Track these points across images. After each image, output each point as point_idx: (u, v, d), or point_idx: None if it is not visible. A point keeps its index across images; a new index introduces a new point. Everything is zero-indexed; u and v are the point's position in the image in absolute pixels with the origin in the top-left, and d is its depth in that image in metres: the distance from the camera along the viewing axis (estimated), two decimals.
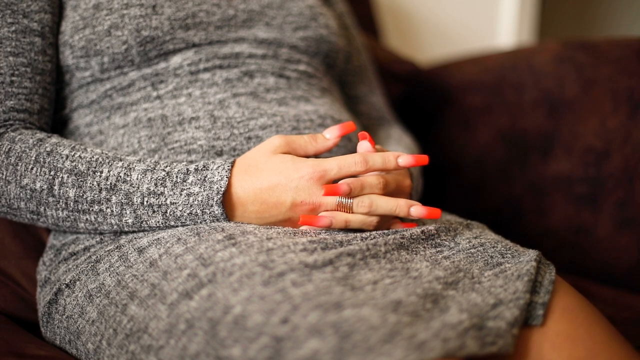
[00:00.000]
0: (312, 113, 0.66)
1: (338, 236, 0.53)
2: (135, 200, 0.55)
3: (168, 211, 0.54)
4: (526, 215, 1.00)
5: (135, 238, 0.57)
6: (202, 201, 0.54)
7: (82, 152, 0.57)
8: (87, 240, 0.60)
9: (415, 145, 0.82)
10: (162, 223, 0.55)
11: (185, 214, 0.54)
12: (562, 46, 0.99)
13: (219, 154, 0.61)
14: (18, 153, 0.56)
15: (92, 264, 0.57)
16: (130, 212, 0.55)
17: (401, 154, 0.56)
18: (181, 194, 0.54)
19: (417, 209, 0.55)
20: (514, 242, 0.59)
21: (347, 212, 0.54)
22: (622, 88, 0.89)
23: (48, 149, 0.57)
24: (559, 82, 0.96)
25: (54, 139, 0.58)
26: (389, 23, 1.48)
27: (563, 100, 0.96)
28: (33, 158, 0.56)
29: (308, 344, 0.39)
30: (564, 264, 0.93)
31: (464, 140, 1.10)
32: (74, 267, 0.59)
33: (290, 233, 0.53)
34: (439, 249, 0.55)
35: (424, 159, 0.56)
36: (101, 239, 0.59)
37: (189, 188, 0.54)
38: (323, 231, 0.55)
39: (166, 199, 0.54)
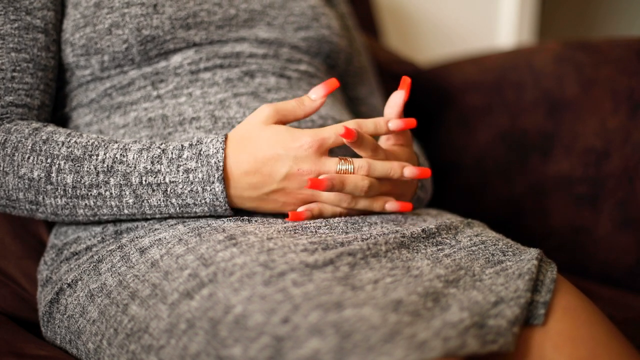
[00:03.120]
0: (314, 113, 0.66)
1: (339, 237, 0.53)
2: (133, 180, 0.55)
3: (168, 189, 0.55)
4: (526, 215, 1.00)
5: (136, 238, 0.57)
6: (202, 179, 0.54)
7: (78, 137, 0.57)
8: (89, 240, 0.60)
9: (417, 147, 0.82)
10: (163, 201, 0.55)
11: (186, 192, 0.54)
12: (562, 46, 0.99)
13: None
14: (14, 143, 0.56)
15: (94, 263, 0.57)
16: (129, 193, 0.55)
17: (391, 119, 0.58)
18: (178, 171, 0.54)
19: (409, 170, 0.57)
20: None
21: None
22: (622, 88, 0.89)
23: (44, 137, 0.57)
24: (559, 82, 0.97)
25: (50, 128, 0.58)
26: (389, 23, 1.48)
27: (563, 100, 0.96)
28: (29, 147, 0.56)
29: (309, 344, 0.39)
30: (564, 264, 0.92)
31: (464, 140, 1.10)
32: (76, 266, 0.59)
33: (290, 232, 0.53)
34: (440, 247, 0.55)
35: (412, 122, 0.58)
36: (102, 238, 0.59)
37: (185, 163, 0.54)
38: (323, 224, 0.56)
39: (164, 177, 0.54)
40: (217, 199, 0.54)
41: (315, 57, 0.73)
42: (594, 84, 0.92)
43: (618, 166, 0.88)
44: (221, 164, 0.53)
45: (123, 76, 0.64)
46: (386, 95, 1.03)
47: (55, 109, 0.67)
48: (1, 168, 0.56)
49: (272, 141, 0.54)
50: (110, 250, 0.57)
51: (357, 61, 0.85)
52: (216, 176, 0.54)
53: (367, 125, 0.56)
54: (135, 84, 0.64)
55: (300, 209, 0.56)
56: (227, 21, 0.67)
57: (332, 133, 0.54)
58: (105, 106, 0.65)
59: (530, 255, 0.54)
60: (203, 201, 0.55)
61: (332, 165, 0.55)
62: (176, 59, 0.64)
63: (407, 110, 1.16)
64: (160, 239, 0.55)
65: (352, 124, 0.56)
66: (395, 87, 1.13)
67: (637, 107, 0.87)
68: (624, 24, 2.60)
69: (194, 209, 0.56)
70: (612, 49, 0.92)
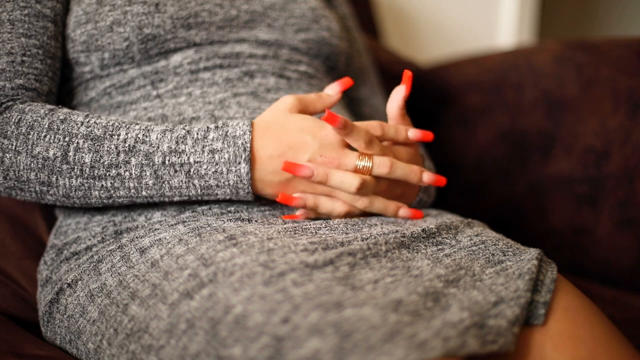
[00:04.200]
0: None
1: (339, 237, 0.53)
2: (156, 160, 0.54)
3: (192, 170, 0.54)
4: (526, 215, 1.00)
5: (136, 238, 0.57)
6: (228, 159, 0.54)
7: (97, 118, 0.57)
8: (89, 240, 0.60)
9: (422, 149, 0.82)
10: (185, 182, 0.55)
11: (210, 172, 0.54)
12: (562, 46, 0.99)
13: None
14: (29, 122, 0.56)
15: (94, 263, 0.57)
16: (150, 173, 0.55)
17: (411, 128, 0.60)
18: (203, 151, 0.54)
19: (427, 175, 0.59)
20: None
21: (367, 174, 0.56)
22: (622, 88, 0.89)
23: (61, 117, 0.56)
24: (559, 82, 0.97)
25: (65, 109, 0.58)
26: (389, 23, 1.48)
27: (563, 100, 0.96)
28: (46, 126, 0.56)
29: (309, 344, 0.39)
30: (564, 264, 0.92)
31: (464, 140, 1.10)
32: (76, 266, 0.59)
33: (290, 232, 0.53)
34: (440, 247, 0.55)
35: (429, 135, 0.60)
36: (102, 238, 0.59)
37: (211, 144, 0.54)
38: (323, 226, 0.56)
39: (188, 157, 0.54)
40: (241, 180, 0.54)
41: (314, 58, 0.73)
42: (594, 84, 0.92)
43: (618, 166, 0.88)
44: (248, 145, 0.54)
45: (123, 75, 0.64)
46: (387, 95, 1.03)
47: None
48: (13, 147, 0.55)
49: (299, 127, 0.55)
50: (110, 250, 0.57)
51: (358, 62, 0.85)
52: (243, 157, 0.54)
53: (389, 128, 0.59)
54: (134, 83, 0.64)
55: (296, 212, 0.57)
56: (228, 22, 0.67)
57: (360, 128, 0.56)
58: (104, 105, 0.65)
59: (530, 255, 0.54)
60: (226, 183, 0.55)
61: (353, 158, 0.56)
62: (176, 58, 0.64)
63: (408, 110, 1.16)
64: (160, 239, 0.55)
65: (376, 124, 0.58)
66: (395, 87, 1.14)
67: (637, 107, 0.87)
68: (624, 24, 2.60)
69: (216, 191, 0.56)
70: (612, 49, 0.92)
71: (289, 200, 0.56)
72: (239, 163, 0.54)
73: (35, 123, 0.56)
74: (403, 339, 0.39)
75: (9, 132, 0.55)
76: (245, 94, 0.65)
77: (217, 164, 0.54)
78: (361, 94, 0.85)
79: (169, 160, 0.54)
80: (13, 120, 0.56)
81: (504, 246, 0.56)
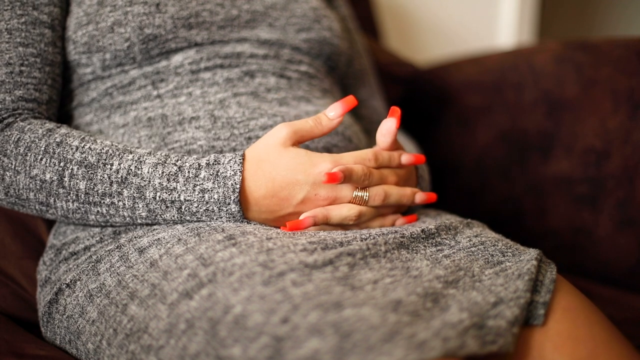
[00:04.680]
0: (313, 113, 0.66)
1: (338, 237, 0.53)
2: (147, 194, 0.55)
3: (183, 207, 0.55)
4: (526, 215, 1.00)
5: (135, 237, 0.57)
6: (218, 199, 0.54)
7: (92, 143, 0.57)
8: (88, 240, 0.60)
9: (417, 150, 0.82)
10: (177, 217, 0.55)
11: (201, 210, 0.54)
12: (562, 46, 0.99)
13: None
14: (27, 143, 0.56)
15: (92, 263, 0.57)
16: (142, 206, 0.55)
17: (403, 153, 0.60)
18: (194, 190, 0.54)
19: (420, 196, 0.60)
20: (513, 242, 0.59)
21: (363, 204, 0.56)
22: (622, 88, 0.89)
23: (57, 140, 0.56)
24: (559, 82, 0.96)
25: (64, 130, 0.58)
26: (388, 23, 1.48)
27: (563, 100, 0.96)
28: (42, 148, 0.56)
29: (308, 344, 0.39)
30: (564, 264, 0.92)
31: (464, 140, 1.10)
32: (75, 266, 0.59)
33: (290, 233, 0.54)
34: (439, 247, 0.55)
35: (421, 158, 0.61)
36: (101, 238, 0.59)
37: (202, 183, 0.54)
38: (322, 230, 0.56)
39: (179, 195, 0.54)
40: (234, 218, 0.55)
41: (316, 58, 0.73)
42: (594, 84, 0.92)
43: (618, 166, 0.88)
44: (238, 186, 0.53)
45: (124, 75, 0.64)
46: (386, 97, 1.03)
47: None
48: (13, 166, 0.56)
49: (291, 165, 0.54)
50: (108, 250, 0.57)
51: (358, 63, 0.85)
52: (232, 198, 0.54)
53: (383, 157, 0.58)
54: (135, 83, 0.64)
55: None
56: (229, 21, 0.67)
57: (352, 160, 0.55)
58: (105, 105, 0.65)
59: (529, 256, 0.54)
60: (219, 219, 0.55)
61: (348, 192, 0.55)
62: (177, 58, 0.64)
63: (407, 110, 1.16)
64: (159, 238, 0.55)
65: (370, 155, 0.57)
66: (394, 89, 1.14)
67: (637, 107, 0.87)
68: (624, 24, 2.60)
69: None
70: (612, 49, 0.92)
71: (300, 225, 0.55)
72: (229, 204, 0.54)
73: (33, 144, 0.56)
74: (402, 339, 0.39)
75: (8, 151, 0.56)
76: (245, 94, 0.65)
77: (207, 202, 0.54)
78: (360, 95, 0.85)
79: (159, 196, 0.54)
80: (12, 139, 0.56)
81: (503, 247, 0.56)
